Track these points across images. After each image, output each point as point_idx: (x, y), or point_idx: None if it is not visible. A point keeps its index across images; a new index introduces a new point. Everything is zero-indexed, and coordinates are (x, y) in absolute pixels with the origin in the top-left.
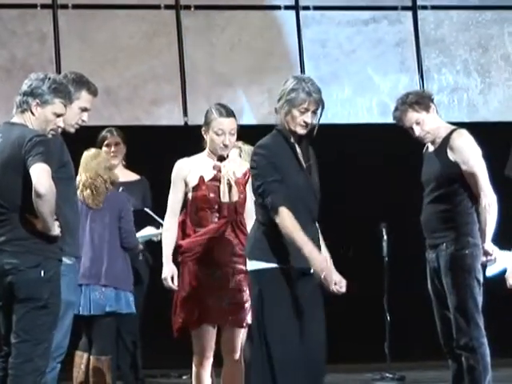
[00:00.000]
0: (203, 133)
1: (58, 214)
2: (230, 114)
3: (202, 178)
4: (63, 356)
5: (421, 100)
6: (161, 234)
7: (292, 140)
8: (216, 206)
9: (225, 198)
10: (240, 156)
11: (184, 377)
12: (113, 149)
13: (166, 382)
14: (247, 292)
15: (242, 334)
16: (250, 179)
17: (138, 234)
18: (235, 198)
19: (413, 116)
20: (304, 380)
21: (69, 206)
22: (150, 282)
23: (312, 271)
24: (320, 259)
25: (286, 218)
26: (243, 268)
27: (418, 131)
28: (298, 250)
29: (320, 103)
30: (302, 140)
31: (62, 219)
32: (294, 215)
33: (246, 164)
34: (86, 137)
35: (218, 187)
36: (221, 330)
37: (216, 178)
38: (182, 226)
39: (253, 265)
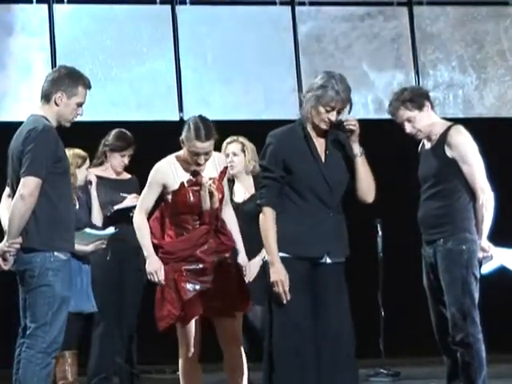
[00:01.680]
0: (180, 142)
1: (52, 211)
2: (207, 136)
3: (182, 184)
4: (58, 351)
5: (415, 98)
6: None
7: (309, 131)
8: (197, 211)
9: (206, 206)
10: (243, 151)
11: (178, 373)
12: (125, 160)
13: (160, 377)
14: (239, 282)
15: (237, 324)
16: (226, 175)
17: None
18: (216, 204)
19: (404, 113)
20: (308, 371)
21: (64, 201)
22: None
23: (324, 260)
24: (275, 270)
25: (267, 220)
26: (228, 260)
27: (408, 128)
28: (305, 239)
29: (348, 102)
30: (324, 132)
31: (56, 214)
32: (303, 205)
33: (222, 157)
34: (80, 132)
35: (199, 192)
36: (214, 324)
37: (196, 183)
38: (161, 221)
39: (264, 253)
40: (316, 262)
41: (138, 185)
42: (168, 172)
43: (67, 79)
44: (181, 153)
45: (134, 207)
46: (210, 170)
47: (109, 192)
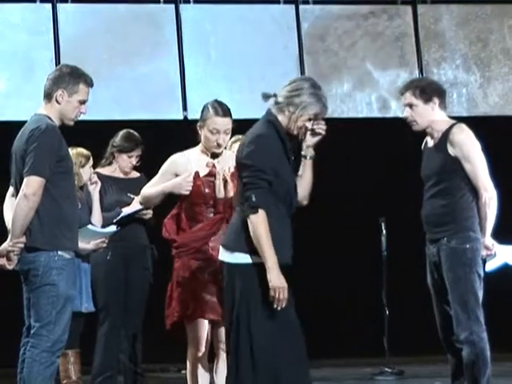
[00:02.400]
0: (198, 128)
1: (56, 210)
2: (226, 113)
3: (197, 174)
4: (62, 350)
5: (427, 89)
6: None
7: (282, 135)
8: (211, 202)
9: (220, 194)
10: None
11: (183, 371)
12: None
13: (164, 376)
14: None
15: None
16: None
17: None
18: (231, 193)
19: (410, 98)
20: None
21: (67, 200)
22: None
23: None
24: (279, 276)
25: (263, 222)
26: None
27: (406, 113)
28: (286, 244)
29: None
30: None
31: (60, 214)
32: (282, 209)
33: (233, 155)
34: (84, 131)
35: (213, 182)
36: (212, 326)
37: (211, 174)
38: (177, 219)
39: (237, 258)
40: (285, 268)
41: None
42: (182, 163)
43: (68, 77)
44: (195, 148)
45: (140, 210)
46: (224, 164)
47: (117, 192)
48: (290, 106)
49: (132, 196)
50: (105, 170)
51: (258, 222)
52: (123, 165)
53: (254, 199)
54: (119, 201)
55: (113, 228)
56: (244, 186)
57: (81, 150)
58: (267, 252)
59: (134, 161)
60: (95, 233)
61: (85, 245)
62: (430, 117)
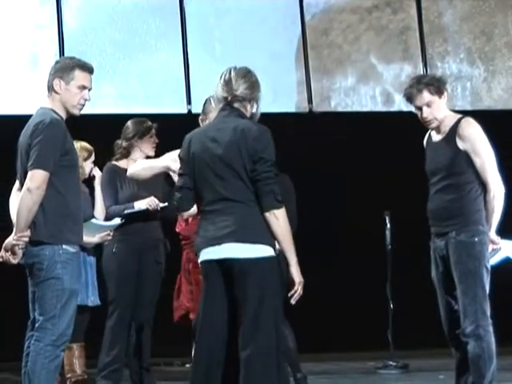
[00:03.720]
0: (200, 121)
1: (60, 204)
2: None
3: None
4: (67, 344)
5: (437, 83)
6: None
7: None
8: None
9: None
10: None
11: (187, 365)
12: (155, 140)
13: (169, 370)
14: None
15: None
16: None
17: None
18: None
19: (426, 97)
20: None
21: (71, 193)
22: None
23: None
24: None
25: (286, 219)
26: None
27: (426, 113)
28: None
29: None
30: None
31: (64, 207)
32: None
33: None
34: (89, 124)
35: None
36: None
37: None
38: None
39: (261, 251)
40: None
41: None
42: None
43: (63, 66)
44: None
45: (145, 211)
46: None
47: (133, 187)
48: (258, 103)
49: (145, 194)
50: (121, 163)
51: (284, 217)
52: (147, 148)
53: (277, 196)
54: (135, 195)
55: (117, 221)
56: (262, 180)
57: (84, 144)
58: (292, 247)
59: (155, 139)
60: (100, 226)
61: (90, 238)
62: (446, 110)
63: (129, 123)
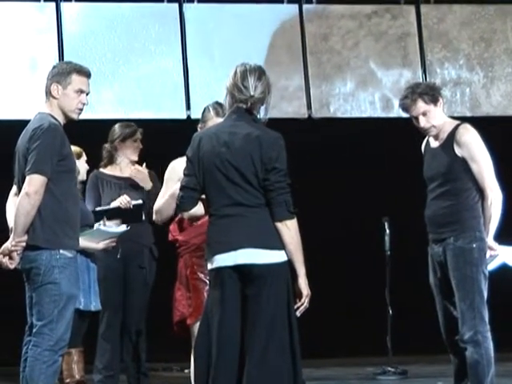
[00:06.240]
0: (199, 129)
1: (57, 209)
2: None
3: None
4: (65, 349)
5: (431, 92)
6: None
7: None
8: None
9: None
10: None
11: (186, 370)
12: (139, 145)
13: (167, 375)
14: None
15: None
16: None
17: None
18: None
19: (422, 107)
20: None
21: (69, 198)
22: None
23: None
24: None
25: (297, 230)
26: None
27: (423, 122)
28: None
29: None
30: None
31: (62, 212)
32: None
33: None
34: (87, 129)
35: None
36: None
37: None
38: (179, 221)
39: (279, 256)
40: None
41: (155, 178)
42: (183, 167)
43: (60, 71)
44: None
45: (117, 208)
46: None
47: (116, 191)
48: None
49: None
50: (107, 170)
51: (296, 228)
52: (129, 152)
53: (292, 208)
54: (116, 200)
55: (123, 228)
56: (274, 190)
57: (73, 147)
58: (302, 258)
59: (139, 145)
60: (106, 233)
61: (94, 244)
62: (442, 118)
63: (115, 126)
